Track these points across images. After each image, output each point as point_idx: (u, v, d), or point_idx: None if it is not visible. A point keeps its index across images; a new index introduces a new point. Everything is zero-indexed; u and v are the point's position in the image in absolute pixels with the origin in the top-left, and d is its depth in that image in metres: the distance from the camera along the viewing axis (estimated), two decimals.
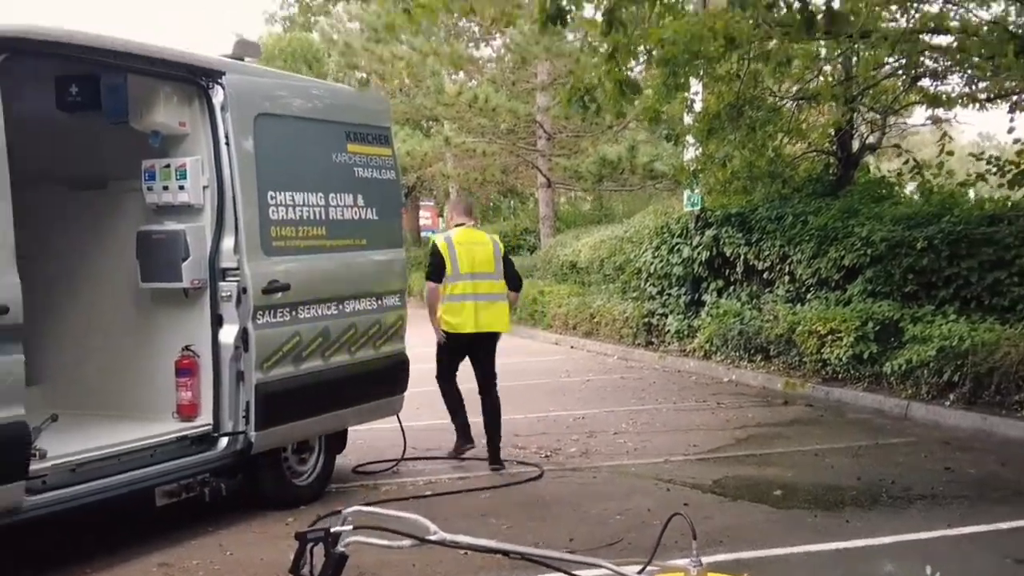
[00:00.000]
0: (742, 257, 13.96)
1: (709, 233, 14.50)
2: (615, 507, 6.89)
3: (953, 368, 10.06)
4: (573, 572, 4.16)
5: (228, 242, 6.48)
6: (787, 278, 13.26)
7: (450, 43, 20.34)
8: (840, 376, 11.55)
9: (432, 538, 4.18)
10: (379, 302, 7.54)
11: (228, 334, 6.47)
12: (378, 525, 3.99)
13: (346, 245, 7.28)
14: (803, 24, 7.41)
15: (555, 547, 6.01)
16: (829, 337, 11.57)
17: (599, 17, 7.54)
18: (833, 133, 14.27)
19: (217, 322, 6.49)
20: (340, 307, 7.14)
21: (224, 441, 6.49)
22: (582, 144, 22.49)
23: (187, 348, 6.55)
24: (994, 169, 12.48)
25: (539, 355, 16.16)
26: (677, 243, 15.21)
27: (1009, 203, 12.01)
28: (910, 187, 14.72)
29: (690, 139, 13.47)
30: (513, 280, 8.63)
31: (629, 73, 9.06)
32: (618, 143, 21.01)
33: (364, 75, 23.64)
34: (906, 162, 14.26)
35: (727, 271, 14.46)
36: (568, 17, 6.69)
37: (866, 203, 13.14)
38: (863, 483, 7.50)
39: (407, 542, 3.99)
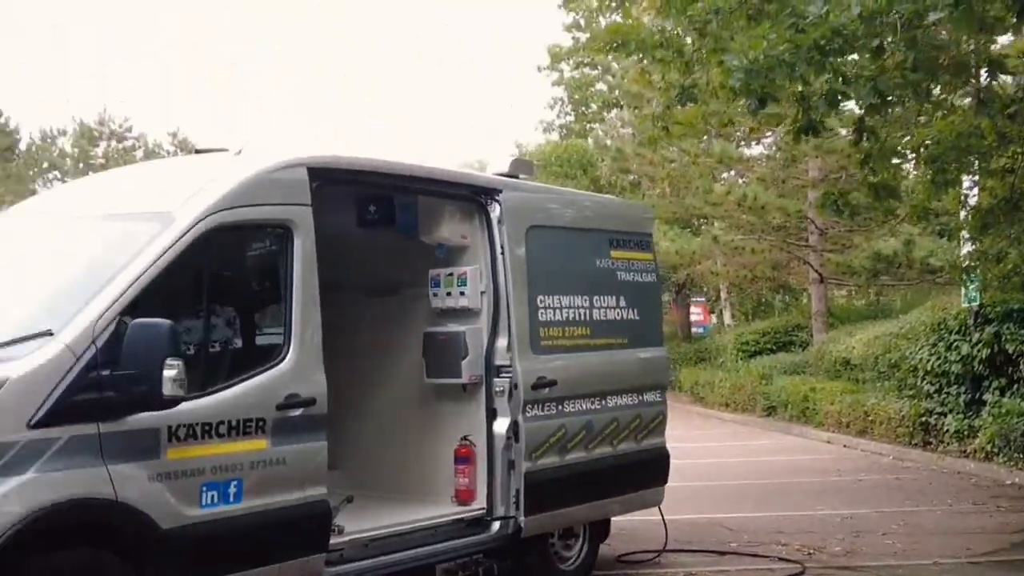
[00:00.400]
0: None
1: (989, 330, 13.96)
2: None
3: None
4: None
5: (502, 342, 7.14)
6: None
7: (719, 143, 20.70)
8: None
9: None
10: (640, 397, 7.97)
11: (501, 426, 7.08)
12: None
13: (609, 344, 7.79)
14: None
15: None
16: None
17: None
18: None
19: (491, 415, 7.13)
20: (603, 402, 7.63)
21: (496, 525, 7.06)
22: (855, 239, 22.15)
23: (465, 438, 7.22)
24: None
25: (810, 453, 15.96)
26: (955, 340, 14.70)
27: None
28: None
29: (965, 234, 13.16)
30: None
31: (888, 174, 9.13)
32: (894, 237, 20.56)
33: (635, 177, 24.42)
34: None
35: (1010, 369, 13.83)
36: (820, 127, 6.98)
37: None
38: None
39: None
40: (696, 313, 34.22)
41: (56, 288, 5.45)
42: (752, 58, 5.92)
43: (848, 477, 13.27)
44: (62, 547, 4.87)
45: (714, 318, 33.15)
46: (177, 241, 5.38)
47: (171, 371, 4.90)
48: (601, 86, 32.35)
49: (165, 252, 5.32)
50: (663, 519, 8.51)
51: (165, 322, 4.95)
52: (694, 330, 32.83)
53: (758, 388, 21.78)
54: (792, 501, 11.34)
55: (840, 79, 6.39)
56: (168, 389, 4.92)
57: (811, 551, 8.80)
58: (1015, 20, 4.87)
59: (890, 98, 6.55)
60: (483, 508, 7.09)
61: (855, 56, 6.59)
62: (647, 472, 8.03)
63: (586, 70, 32.48)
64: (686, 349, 29.88)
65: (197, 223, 5.48)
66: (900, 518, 10.25)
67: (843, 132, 19.26)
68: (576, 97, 33.93)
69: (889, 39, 5.90)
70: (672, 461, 8.40)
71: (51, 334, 4.93)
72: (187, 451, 5.28)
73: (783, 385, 20.61)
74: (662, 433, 8.23)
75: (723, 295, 30.89)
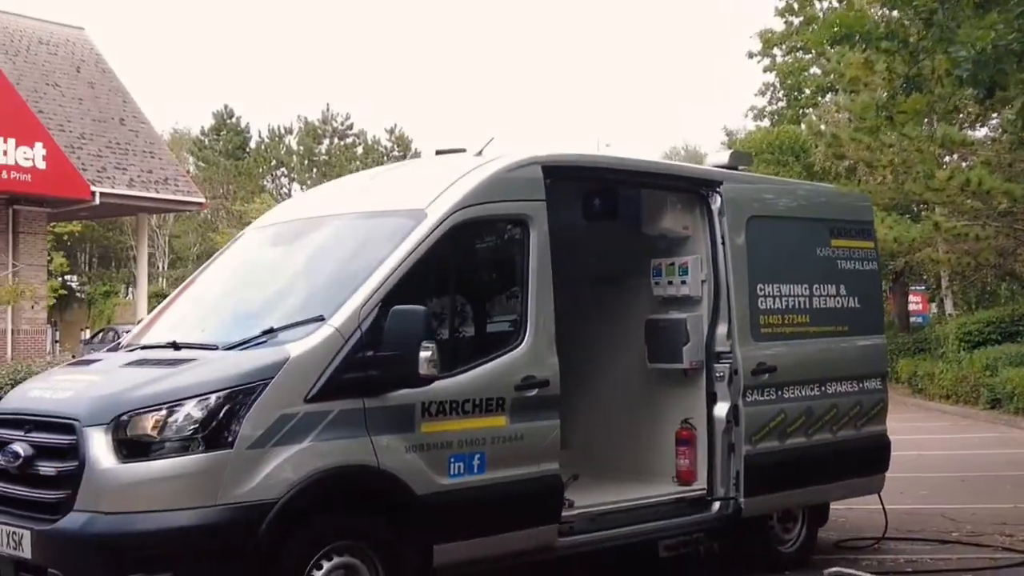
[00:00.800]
0: None
1: None
2: None
3: None
4: None
5: (722, 329, 7.41)
6: None
7: (942, 127, 20.03)
8: None
9: None
10: (860, 385, 8.07)
11: (721, 410, 7.36)
12: None
13: (828, 331, 7.94)
14: None
15: None
16: None
17: None
18: None
19: (711, 399, 7.42)
20: (822, 388, 7.79)
21: (717, 505, 7.36)
22: None
23: (686, 421, 7.54)
24: None
25: None
26: None
27: None
28: None
29: None
30: None
31: None
32: None
33: (851, 163, 23.90)
34: None
35: None
36: None
37: None
38: None
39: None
40: (915, 302, 33.15)
41: (325, 279, 6.14)
42: (980, 48, 5.97)
43: None
44: (334, 509, 5.52)
45: (933, 307, 32.00)
46: (429, 235, 5.95)
47: (426, 352, 5.47)
48: (815, 70, 31.70)
49: (419, 245, 5.90)
50: (883, 507, 8.56)
51: (421, 308, 5.53)
52: (912, 319, 31.83)
53: (982, 379, 21.03)
54: (1018, 494, 11.06)
55: None
56: (424, 369, 5.49)
57: None
58: None
59: None
60: (704, 488, 7.39)
61: None
62: (866, 459, 8.12)
63: (799, 54, 31.88)
64: (904, 339, 29.01)
65: (446, 218, 6.04)
66: None
67: None
68: (789, 82, 33.39)
69: None
70: (892, 451, 8.44)
71: (323, 319, 5.58)
72: (438, 426, 5.85)
73: (1009, 376, 19.83)
74: (883, 421, 8.30)
75: (944, 283, 29.77)
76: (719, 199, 7.48)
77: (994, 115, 21.28)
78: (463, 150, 7.17)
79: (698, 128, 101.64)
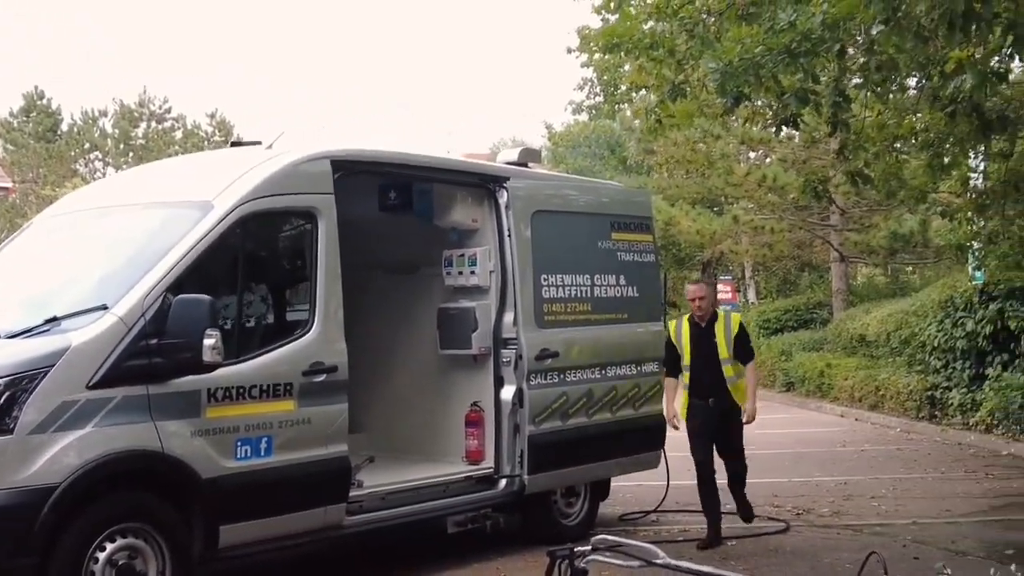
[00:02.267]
0: None
1: (993, 307, 14.46)
2: (847, 558, 7.55)
3: None
4: None
5: (509, 317, 7.85)
6: None
7: (740, 126, 21.21)
8: None
9: (658, 562, 5.33)
10: (638, 368, 8.65)
11: (507, 393, 7.81)
12: (615, 547, 5.14)
13: (609, 319, 8.47)
14: (978, 129, 7.93)
15: None
16: None
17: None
18: None
19: (499, 383, 7.85)
20: (603, 372, 8.32)
21: (503, 482, 7.80)
22: (874, 219, 22.62)
23: (475, 404, 7.95)
24: None
25: (821, 426, 16.58)
26: (961, 317, 15.22)
27: None
28: None
29: (969, 214, 13.68)
30: None
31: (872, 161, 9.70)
32: (914, 215, 21.01)
33: (660, 158, 24.98)
34: None
35: (1012, 345, 14.35)
36: (799, 120, 7.60)
37: None
38: None
39: (636, 563, 5.11)
40: (724, 291, 34.67)
41: (111, 269, 6.25)
42: (727, 61, 6.56)
43: (853, 448, 13.88)
44: (117, 492, 5.68)
45: (741, 296, 33.62)
46: (216, 226, 6.16)
47: (210, 340, 5.68)
48: (628, 67, 32.83)
49: (205, 236, 6.10)
50: (667, 482, 9.19)
51: (205, 297, 5.74)
52: (721, 308, 33.26)
53: (778, 364, 22.36)
54: (795, 469, 11.96)
55: (810, 79, 7.03)
56: (207, 356, 5.70)
57: (800, 512, 9.45)
58: (946, 32, 5.42)
59: (853, 96, 7.17)
60: (491, 467, 7.82)
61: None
62: (644, 437, 8.70)
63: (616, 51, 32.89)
64: None
65: (233, 210, 6.25)
66: (892, 484, 10.87)
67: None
68: (605, 78, 34.41)
69: (850, 44, 6.51)
70: (680, 433, 9.05)
71: (106, 308, 5.71)
72: (224, 411, 6.07)
73: (801, 361, 21.19)
74: (659, 401, 8.90)
75: (747, 273, 31.38)
76: (506, 194, 7.90)
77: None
78: (259, 143, 7.35)
79: (527, 121, 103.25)
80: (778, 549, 8.05)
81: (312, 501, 6.53)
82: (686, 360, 8.29)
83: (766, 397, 21.74)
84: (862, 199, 21.06)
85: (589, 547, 5.32)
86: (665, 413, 8.60)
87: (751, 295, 31.50)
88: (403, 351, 8.51)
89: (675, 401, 8.50)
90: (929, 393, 15.67)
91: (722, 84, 6.70)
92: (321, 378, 6.57)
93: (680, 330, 8.40)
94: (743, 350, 8.38)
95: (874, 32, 6.13)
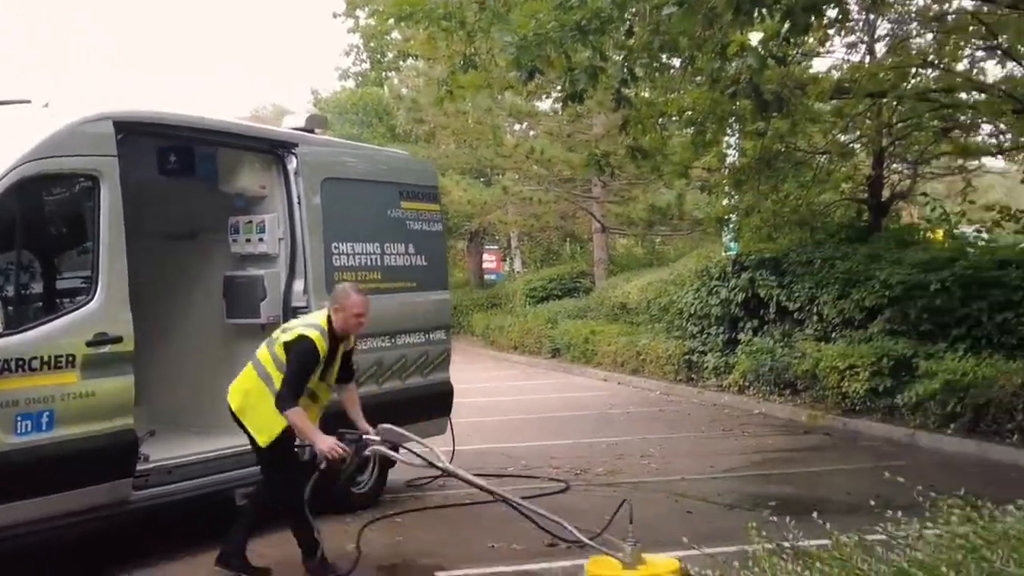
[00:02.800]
0: (775, 298, 14.93)
1: (745, 276, 15.49)
2: (625, 512, 7.94)
3: (956, 400, 10.96)
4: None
5: (298, 285, 7.75)
6: (815, 318, 14.21)
7: (510, 99, 21.63)
8: (858, 408, 12.47)
9: (439, 464, 5.92)
10: (427, 336, 8.75)
11: None
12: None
13: (398, 287, 8.51)
14: (757, 108, 8.53)
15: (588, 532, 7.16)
16: (848, 372, 12.52)
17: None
18: (864, 182, 15.24)
19: None
20: (392, 340, 8.36)
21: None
22: (634, 192, 23.63)
23: None
24: (1008, 218, 13.37)
25: (588, 390, 17.26)
26: (716, 285, 16.22)
27: (1018, 248, 12.87)
28: (940, 233, 15.63)
29: (726, 189, 14.57)
30: None
31: (649, 137, 10.18)
32: (670, 189, 22.09)
33: (430, 127, 25.08)
34: (933, 210, 15.14)
35: (762, 311, 15.43)
36: (584, 96, 7.88)
37: (890, 249, 14.05)
38: (851, 497, 8.48)
39: (418, 462, 5.70)
40: (489, 260, 35.34)
41: None
42: (522, 35, 6.72)
43: (619, 410, 14.54)
44: None
45: (506, 265, 34.35)
46: None
47: None
48: (396, 35, 32.70)
49: None
50: (453, 448, 9.34)
51: None
52: (487, 277, 33.94)
53: (545, 332, 23.05)
54: (568, 432, 12.44)
55: (599, 56, 7.31)
56: None
57: (578, 472, 9.85)
58: (731, 17, 5.81)
59: (639, 74, 7.54)
60: None
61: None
62: (432, 404, 8.82)
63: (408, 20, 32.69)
64: (479, 295, 30.93)
65: (9, 172, 5.85)
66: (659, 444, 11.49)
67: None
68: (372, 45, 34.16)
69: (638, 23, 6.83)
70: (463, 399, 9.23)
71: None
72: (1, 384, 5.71)
73: (567, 328, 21.93)
74: (446, 369, 9.04)
75: (514, 243, 32.10)
76: (295, 160, 7.77)
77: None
78: (28, 101, 6.92)
79: (287, 87, 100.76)
80: (559, 507, 8.34)
81: (97, 476, 6.27)
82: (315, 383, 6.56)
83: (535, 364, 22.49)
84: (622, 173, 21.97)
85: (377, 438, 5.87)
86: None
87: (517, 264, 32.25)
88: (186, 321, 8.26)
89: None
90: (687, 357, 16.61)
91: (517, 58, 6.85)
92: (105, 349, 6.30)
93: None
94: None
95: (664, 13, 6.44)
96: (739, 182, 13.06)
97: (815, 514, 4.99)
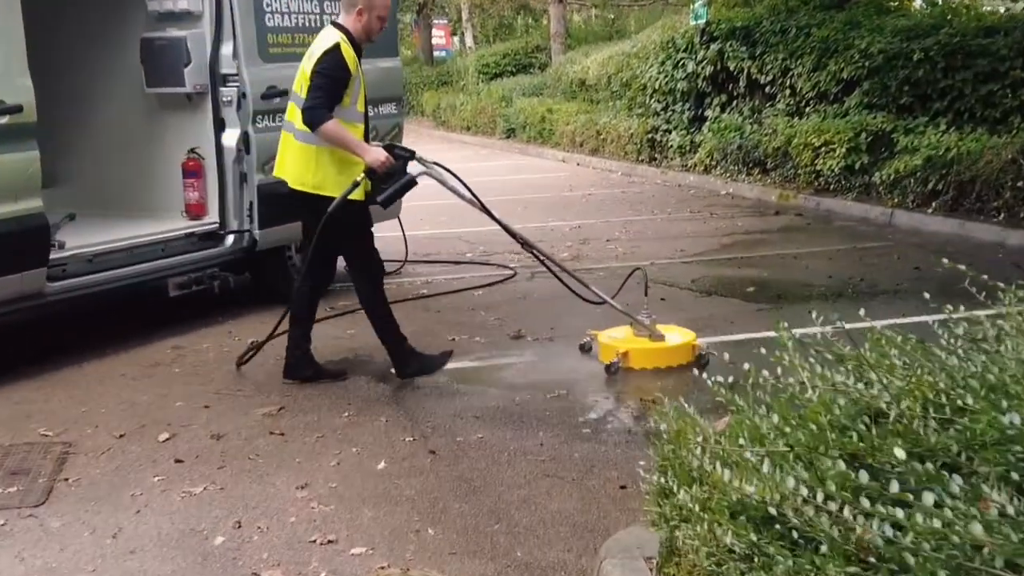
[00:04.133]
0: (745, 71, 14.06)
1: (714, 47, 14.55)
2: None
3: (938, 177, 10.37)
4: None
5: (227, 48, 6.80)
6: (788, 92, 13.41)
7: None
8: (832, 187, 11.88)
9: (474, 200, 6.12)
10: (377, 110, 7.85)
11: (230, 137, 6.87)
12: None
13: None
14: None
15: (537, 334, 6.58)
16: (823, 149, 11.86)
17: None
18: None
19: (219, 126, 6.89)
20: None
21: (231, 238, 6.98)
22: None
23: (192, 151, 6.97)
24: None
25: (545, 172, 16.51)
26: (682, 58, 15.28)
27: (1006, 14, 12.04)
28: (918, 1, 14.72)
29: None
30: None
31: None
32: None
33: None
34: None
35: (730, 86, 14.59)
36: None
37: (869, 16, 13.16)
38: (833, 280, 7.97)
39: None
40: (438, 36, 33.73)
41: None
42: None
43: (579, 192, 13.86)
44: None
45: (457, 41, 32.81)
46: None
47: None
48: None
49: None
50: (404, 235, 8.70)
51: None
52: (436, 53, 32.47)
53: (499, 110, 22.06)
54: (528, 215, 11.77)
55: None
56: None
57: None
58: None
59: None
60: (215, 222, 6.98)
61: None
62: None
63: None
64: (428, 72, 29.63)
65: None
66: (623, 227, 10.87)
67: None
68: None
69: None
70: (417, 182, 8.44)
71: None
72: None
73: (522, 107, 20.96)
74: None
75: (464, 16, 30.49)
76: None
77: None
78: None
79: None
80: (525, 296, 7.78)
81: (5, 266, 5.50)
82: (361, 105, 5.64)
83: (488, 144, 21.62)
84: None
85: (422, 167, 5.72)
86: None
87: (468, 39, 30.76)
88: (103, 91, 7.31)
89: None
90: (650, 136, 15.84)
91: None
92: (3, 120, 5.41)
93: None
94: None
95: None
96: None
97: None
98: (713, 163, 14.09)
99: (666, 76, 15.59)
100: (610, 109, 17.87)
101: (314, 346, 5.81)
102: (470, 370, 5.93)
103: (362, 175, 5.34)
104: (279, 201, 6.93)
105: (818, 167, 11.93)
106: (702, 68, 14.75)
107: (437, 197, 9.15)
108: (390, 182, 5.44)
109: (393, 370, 5.76)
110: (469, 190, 5.92)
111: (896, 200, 10.85)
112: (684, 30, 15.44)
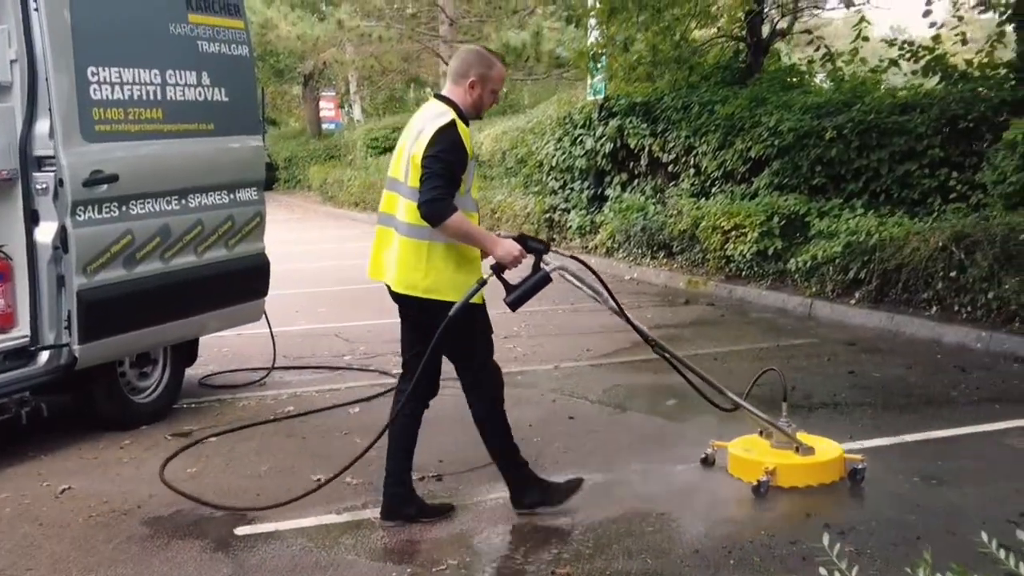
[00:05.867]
0: (647, 149, 13.30)
1: (613, 123, 13.78)
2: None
3: (860, 264, 9.59)
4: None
5: (42, 126, 5.58)
6: (692, 171, 12.67)
7: None
8: (744, 273, 11.05)
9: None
10: (232, 196, 6.69)
11: (45, 232, 5.62)
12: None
13: (189, 130, 6.37)
14: None
15: (425, 469, 5.40)
16: (733, 233, 11.05)
17: None
18: (743, 17, 13.55)
19: (32, 219, 5.63)
20: (183, 201, 6.28)
21: (44, 356, 5.68)
22: (485, 30, 21.47)
23: (0, 249, 5.69)
24: (908, 55, 11.92)
25: None
26: (580, 134, 14.48)
27: (921, 91, 11.48)
28: (820, 76, 14.17)
29: (592, 22, 12.66)
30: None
31: None
32: (523, 29, 20.03)
33: None
34: (817, 49, 13.63)
35: (631, 164, 13.82)
36: None
37: (775, 92, 12.54)
38: (763, 389, 6.97)
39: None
40: (327, 108, 32.76)
41: None
42: None
43: None
44: None
45: (345, 114, 31.81)
46: None
47: None
48: None
49: None
50: (271, 334, 7.51)
51: None
52: (325, 126, 31.43)
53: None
54: None
55: None
56: None
57: None
58: None
59: None
60: (26, 336, 5.67)
61: None
62: (242, 284, 6.83)
63: None
64: (316, 146, 28.54)
65: None
66: (522, 319, 9.79)
67: None
68: None
69: None
70: (292, 264, 7.30)
71: None
72: None
73: None
74: (260, 238, 7.02)
75: (353, 88, 29.49)
76: None
77: None
78: None
79: None
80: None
81: None
82: (475, 191, 4.72)
83: (366, 221, 20.47)
84: (472, 7, 19.80)
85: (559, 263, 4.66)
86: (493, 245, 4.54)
87: (356, 112, 29.73)
88: None
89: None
90: (547, 215, 14.95)
91: None
92: None
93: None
94: None
95: None
96: (613, 10, 11.14)
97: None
98: (616, 245, 13.20)
99: (564, 152, 14.75)
100: (505, 186, 16.96)
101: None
102: (333, 529, 4.69)
103: (489, 273, 4.54)
104: (106, 308, 5.75)
105: (728, 252, 11.10)
106: (601, 145, 13.96)
107: (318, 283, 8.16)
108: (519, 280, 4.55)
109: (509, 500, 4.77)
110: (608, 291, 5.03)
111: (814, 289, 10.03)
112: (582, 105, 14.66)
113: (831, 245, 9.94)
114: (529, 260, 4.62)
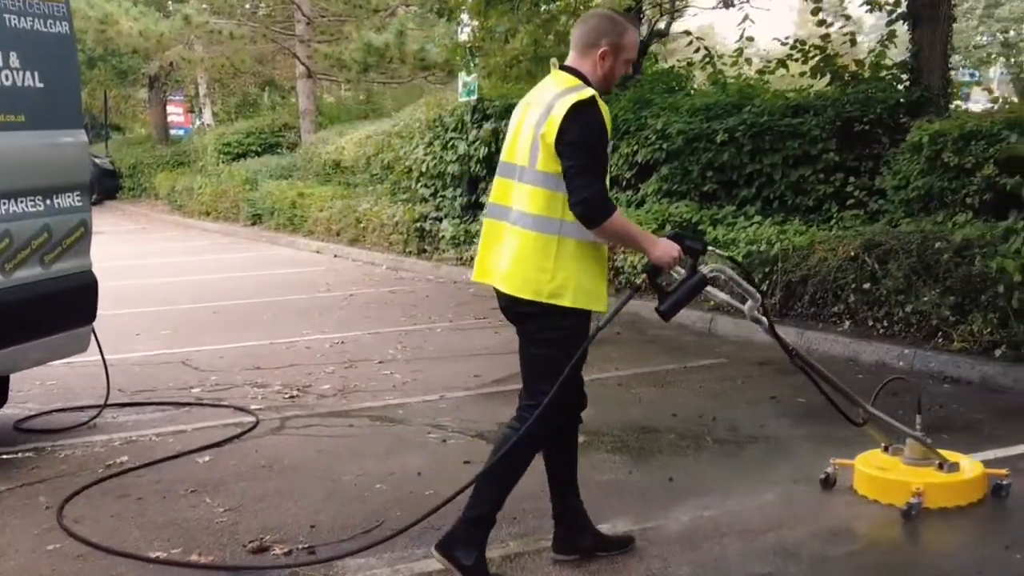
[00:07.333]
0: None
1: (488, 126, 12.88)
2: (375, 470, 5.26)
3: (761, 276, 8.91)
4: None
5: None
6: None
7: None
8: (641, 287, 10.25)
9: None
10: (48, 202, 5.50)
11: None
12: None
13: None
14: None
15: (291, 541, 4.34)
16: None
17: None
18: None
19: None
20: None
21: None
22: (346, 30, 20.31)
23: None
24: (797, 55, 11.40)
25: (297, 266, 14.25)
26: (452, 138, 13.53)
27: (813, 93, 10.97)
28: (700, 78, 13.62)
29: (466, 16, 11.75)
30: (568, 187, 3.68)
31: None
32: (386, 29, 18.98)
33: None
34: (697, 50, 13.04)
35: None
36: None
37: (659, 93, 11.87)
38: (680, 421, 6.18)
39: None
40: (175, 113, 31.01)
41: None
42: None
43: (339, 292, 11.72)
44: None
45: (195, 119, 30.14)
46: None
47: None
48: None
49: None
50: (105, 366, 6.32)
51: None
52: (173, 132, 29.69)
53: (243, 194, 19.68)
54: (275, 325, 9.55)
55: None
56: None
57: (295, 392, 7.01)
58: None
59: None
60: None
61: None
62: (63, 308, 5.64)
63: None
64: (163, 152, 26.86)
65: None
66: (398, 340, 8.81)
67: None
68: None
69: None
70: (134, 280, 6.13)
71: None
72: None
73: (269, 191, 18.70)
74: (86, 253, 5.84)
75: (203, 91, 27.85)
76: None
77: None
78: None
79: None
80: (275, 463, 5.49)
81: None
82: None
83: (232, 232, 19.15)
84: (330, 5, 18.67)
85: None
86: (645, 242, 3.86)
87: (207, 116, 28.10)
88: None
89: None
90: (418, 224, 13.94)
91: None
92: None
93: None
94: None
95: None
96: (490, 1, 10.25)
97: None
98: None
99: (434, 158, 13.79)
100: (371, 194, 15.88)
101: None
102: None
103: (642, 277, 4.06)
104: None
105: (618, 263, 10.31)
106: (475, 149, 13.05)
107: (164, 302, 6.93)
108: (674, 285, 3.99)
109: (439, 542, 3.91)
110: (761, 294, 4.45)
111: (713, 302, 9.31)
112: (453, 107, 13.71)
113: (729, 255, 9.23)
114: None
